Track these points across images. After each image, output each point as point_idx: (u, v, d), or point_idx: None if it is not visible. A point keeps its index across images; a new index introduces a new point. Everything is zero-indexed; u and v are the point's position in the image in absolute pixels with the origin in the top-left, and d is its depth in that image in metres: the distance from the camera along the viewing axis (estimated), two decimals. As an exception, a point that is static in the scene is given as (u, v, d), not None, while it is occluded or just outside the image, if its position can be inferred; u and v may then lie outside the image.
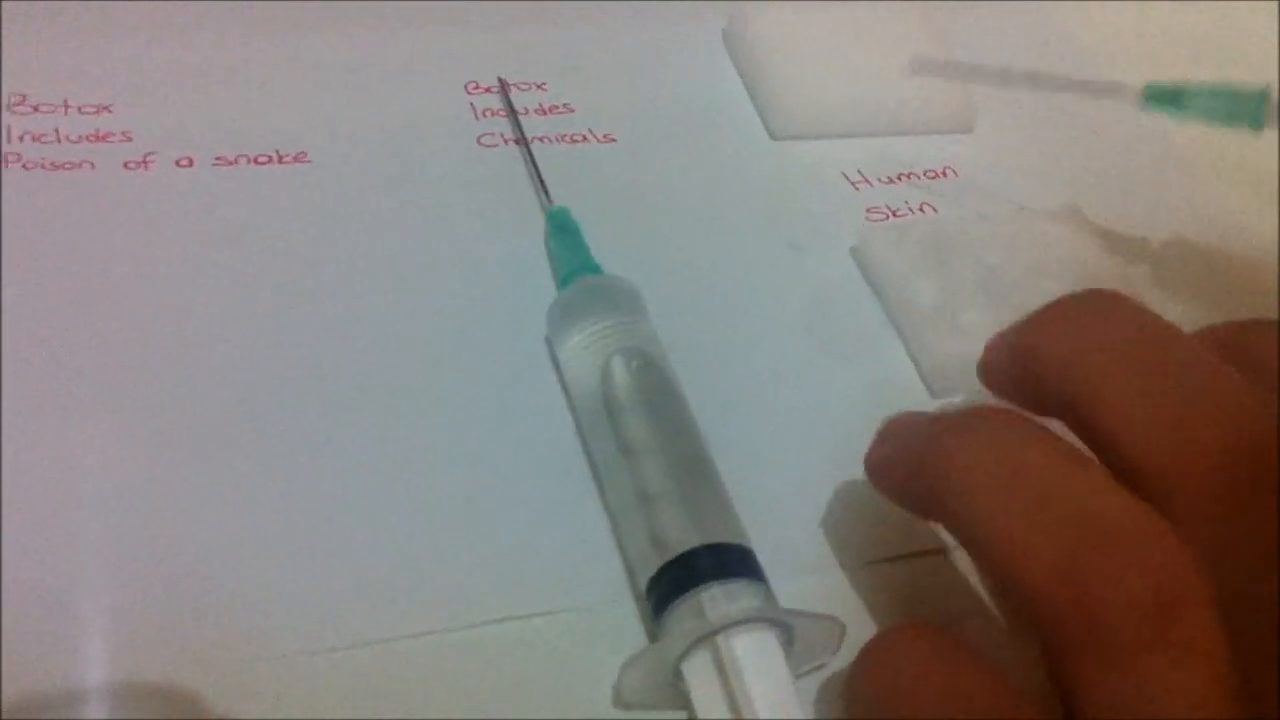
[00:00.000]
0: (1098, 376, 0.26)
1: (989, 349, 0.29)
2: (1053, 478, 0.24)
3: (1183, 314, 0.36)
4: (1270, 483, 0.24)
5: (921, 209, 0.43)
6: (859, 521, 0.34)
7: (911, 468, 0.28)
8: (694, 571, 0.30)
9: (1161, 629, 0.22)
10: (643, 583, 0.31)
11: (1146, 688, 0.22)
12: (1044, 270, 0.40)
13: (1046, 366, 0.27)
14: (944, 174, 0.45)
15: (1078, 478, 0.24)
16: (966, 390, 0.37)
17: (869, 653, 0.27)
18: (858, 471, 0.34)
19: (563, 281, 0.37)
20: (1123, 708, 0.22)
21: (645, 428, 0.33)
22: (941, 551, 0.34)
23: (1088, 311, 0.27)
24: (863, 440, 0.35)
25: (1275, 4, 0.56)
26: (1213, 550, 0.23)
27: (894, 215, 0.43)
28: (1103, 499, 0.24)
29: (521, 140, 0.42)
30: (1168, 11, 0.56)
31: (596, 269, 0.37)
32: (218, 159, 0.40)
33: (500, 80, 0.44)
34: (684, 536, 0.30)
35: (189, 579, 0.30)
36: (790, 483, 0.35)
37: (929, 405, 0.37)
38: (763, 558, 0.31)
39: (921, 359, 0.38)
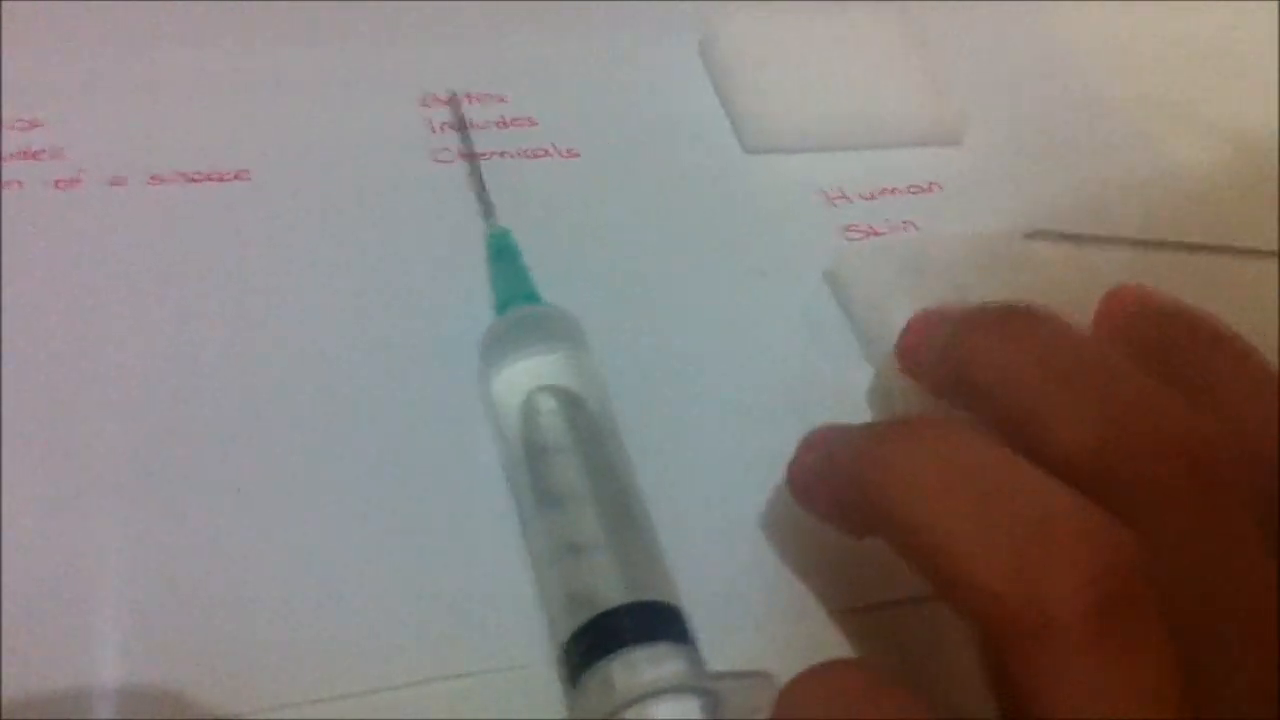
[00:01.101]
0: (1028, 394, 0.26)
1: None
2: (998, 477, 0.24)
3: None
4: (1208, 479, 0.24)
5: (904, 226, 0.40)
6: (813, 572, 0.31)
7: (845, 479, 0.27)
8: (612, 633, 0.27)
9: (1113, 620, 0.22)
10: (562, 643, 0.28)
11: (1098, 679, 0.22)
12: (1032, 293, 0.37)
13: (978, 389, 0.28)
14: (929, 189, 0.42)
15: (1023, 477, 0.24)
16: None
17: (788, 693, 0.25)
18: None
19: (499, 310, 0.35)
20: (1073, 701, 0.22)
21: (569, 471, 0.30)
22: (896, 605, 0.31)
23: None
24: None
25: (1275, 4, 0.52)
26: (1157, 544, 0.23)
27: (874, 233, 0.40)
28: (1049, 496, 0.24)
29: (468, 155, 0.40)
30: (1161, 11, 0.52)
31: (534, 297, 0.35)
32: (152, 177, 0.38)
33: (452, 93, 0.42)
34: (604, 594, 0.28)
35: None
36: (748, 534, 0.32)
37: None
38: (704, 613, 0.29)
39: (897, 396, 0.35)
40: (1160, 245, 0.36)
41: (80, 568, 0.29)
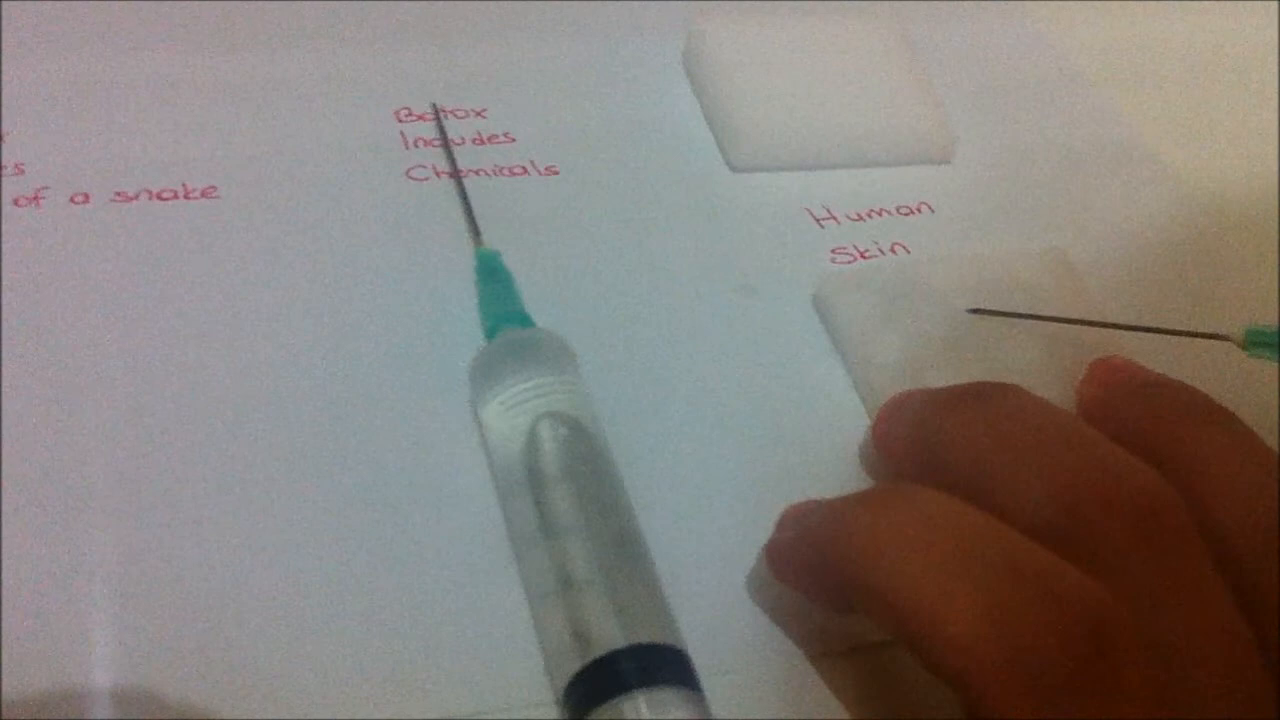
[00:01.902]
0: (992, 466, 0.27)
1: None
2: (968, 533, 0.25)
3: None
4: (1161, 526, 0.25)
5: (893, 249, 0.40)
6: (813, 609, 0.30)
7: (816, 548, 0.27)
8: (616, 676, 0.26)
9: (1095, 667, 0.23)
10: (561, 685, 0.27)
11: None
12: (1022, 321, 0.36)
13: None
14: (918, 210, 0.41)
15: (991, 532, 0.25)
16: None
17: None
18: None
19: (488, 333, 0.34)
20: None
21: (568, 504, 0.29)
22: (892, 645, 0.30)
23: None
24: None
25: (1275, 4, 0.53)
26: (1121, 592, 0.24)
27: (862, 256, 0.39)
28: (1019, 550, 0.24)
29: (454, 173, 0.38)
30: (1166, 22, 0.52)
31: (525, 320, 0.34)
32: (117, 194, 0.37)
33: (434, 107, 0.41)
34: (607, 634, 0.27)
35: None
36: (736, 567, 0.31)
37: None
38: (702, 651, 0.28)
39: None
40: (1105, 326, 0.36)
41: (71, 581, 0.28)
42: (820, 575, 0.28)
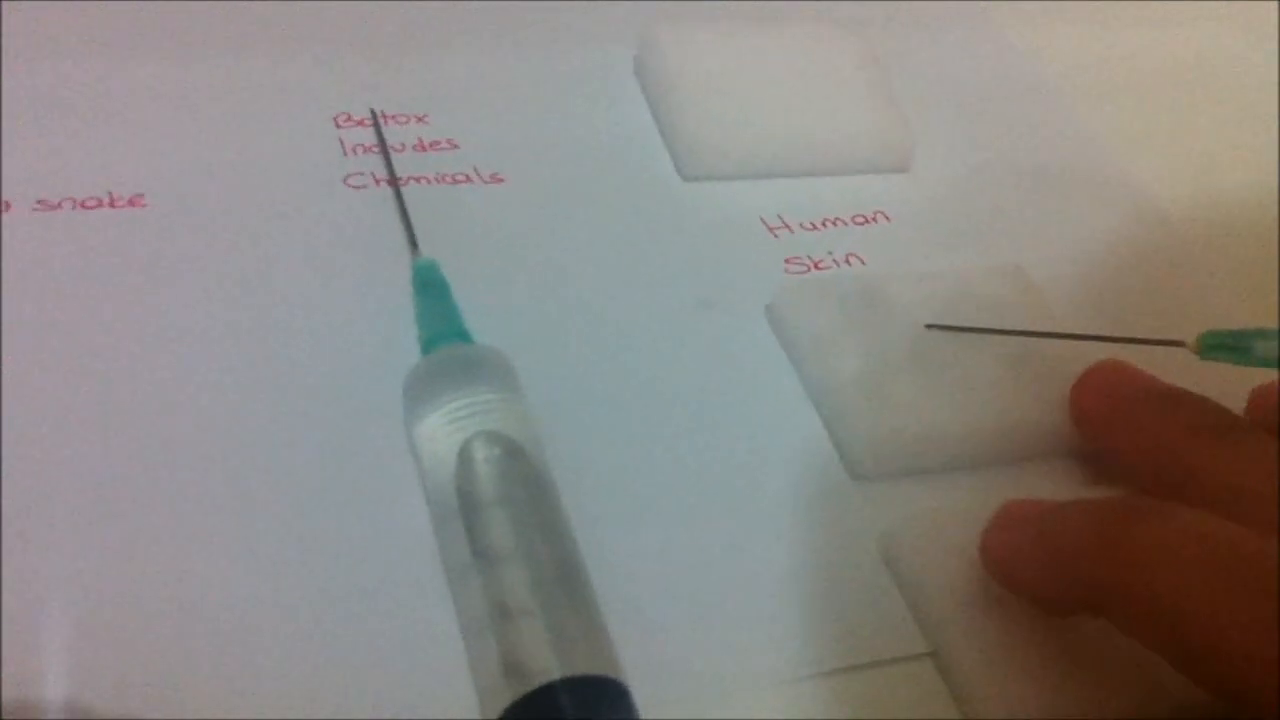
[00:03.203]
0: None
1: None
2: (1242, 549, 0.24)
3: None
4: None
5: (848, 260, 0.38)
6: (768, 637, 0.29)
7: (1059, 551, 0.27)
8: (551, 711, 0.25)
9: None
10: (493, 718, 0.26)
11: None
12: (983, 335, 0.35)
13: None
14: (874, 219, 0.40)
15: (1265, 548, 0.24)
16: (892, 476, 0.32)
17: None
18: (767, 577, 0.30)
19: (424, 348, 0.32)
20: None
21: (501, 529, 0.28)
22: (855, 669, 0.29)
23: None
24: (774, 538, 0.31)
25: (1275, 3, 0.52)
26: None
27: (816, 267, 0.38)
28: None
29: (392, 181, 0.37)
30: (1123, 28, 0.52)
31: (463, 334, 0.32)
32: (39, 203, 0.35)
33: (373, 112, 0.39)
34: (542, 665, 0.26)
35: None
36: (683, 594, 0.30)
37: (850, 492, 0.33)
38: (650, 683, 0.27)
39: (842, 439, 0.33)
40: (1062, 337, 0.35)
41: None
42: (1056, 576, 0.27)
